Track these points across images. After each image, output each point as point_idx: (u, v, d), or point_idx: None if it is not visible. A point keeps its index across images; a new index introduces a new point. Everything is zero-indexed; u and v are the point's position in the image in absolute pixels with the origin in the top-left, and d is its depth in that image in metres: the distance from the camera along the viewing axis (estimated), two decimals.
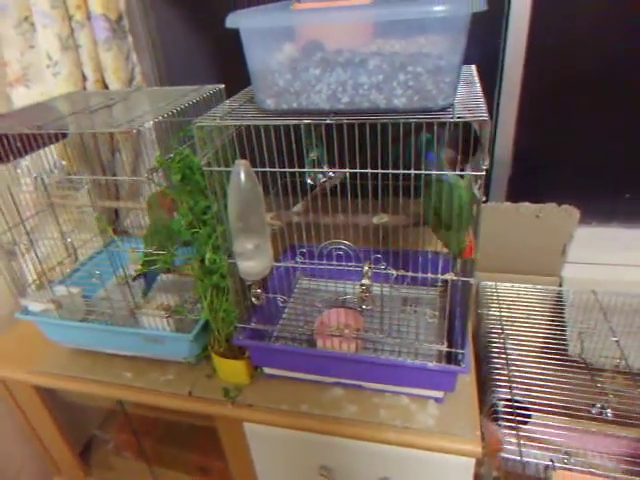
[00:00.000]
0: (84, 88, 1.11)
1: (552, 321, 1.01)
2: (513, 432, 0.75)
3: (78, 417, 1.15)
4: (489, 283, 1.10)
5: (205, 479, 1.12)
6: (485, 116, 0.51)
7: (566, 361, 0.91)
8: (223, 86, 0.93)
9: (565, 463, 0.71)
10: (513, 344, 0.91)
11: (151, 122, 0.71)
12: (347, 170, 0.58)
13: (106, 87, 1.12)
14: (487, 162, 0.52)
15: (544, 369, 0.87)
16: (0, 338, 1.05)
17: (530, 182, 1.14)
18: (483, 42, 0.99)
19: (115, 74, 1.11)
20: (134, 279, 0.86)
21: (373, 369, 0.76)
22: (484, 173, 0.53)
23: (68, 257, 0.99)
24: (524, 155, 1.11)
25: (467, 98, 0.59)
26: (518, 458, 0.71)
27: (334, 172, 0.63)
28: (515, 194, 1.13)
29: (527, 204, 1.07)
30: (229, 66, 1.20)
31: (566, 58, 1.00)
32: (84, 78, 1.11)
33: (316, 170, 0.63)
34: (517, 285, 1.08)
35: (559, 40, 0.98)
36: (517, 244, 1.11)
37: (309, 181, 0.69)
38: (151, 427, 1.12)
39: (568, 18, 0.97)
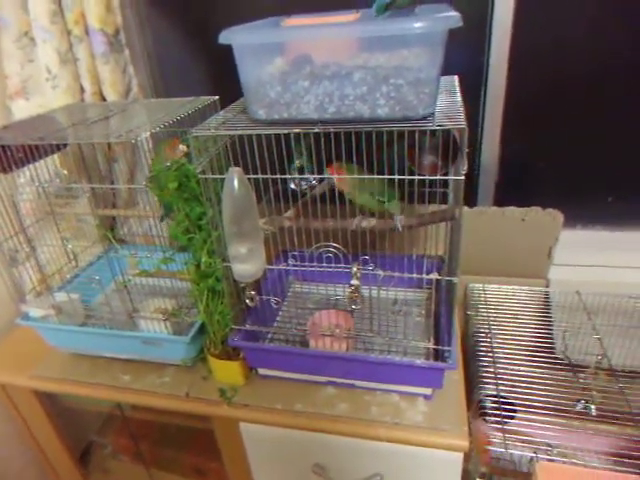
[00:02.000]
0: (82, 100, 1.14)
1: (539, 321, 1.04)
2: (499, 427, 0.78)
3: (77, 422, 1.16)
4: (477, 285, 1.13)
5: None
6: (463, 124, 0.55)
7: (552, 359, 0.94)
8: (217, 97, 0.96)
9: (548, 455, 0.74)
10: (500, 343, 0.94)
11: (148, 132, 0.74)
12: (330, 175, 0.62)
13: (103, 99, 1.15)
14: (466, 168, 0.56)
15: (530, 367, 0.90)
16: None
17: (516, 187, 1.18)
18: (468, 52, 1.03)
19: (112, 86, 1.14)
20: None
21: (363, 367, 0.79)
22: (463, 178, 0.56)
23: (69, 263, 1.01)
24: (510, 161, 1.15)
25: (447, 107, 0.63)
26: (503, 450, 0.74)
27: (316, 178, 0.66)
28: (502, 199, 1.17)
29: (513, 208, 1.11)
30: (223, 78, 1.24)
31: (548, 65, 1.04)
32: (82, 90, 1.14)
33: (299, 177, 0.67)
34: (504, 287, 1.12)
35: (541, 48, 1.02)
36: (504, 247, 1.15)
37: (292, 186, 0.72)
38: (148, 430, 1.14)
39: (551, 26, 1.01)
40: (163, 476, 1.14)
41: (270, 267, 0.74)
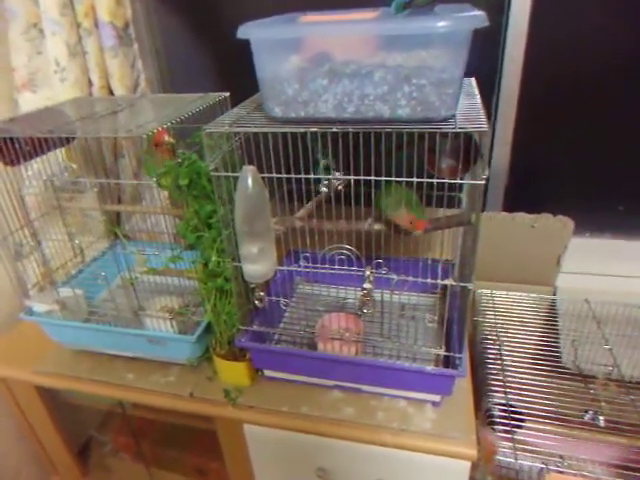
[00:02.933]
0: (90, 94, 1.13)
1: (546, 329, 1.03)
2: (508, 436, 0.76)
3: (76, 418, 1.15)
4: (485, 291, 1.12)
5: None
6: (485, 127, 0.53)
7: (559, 368, 0.93)
8: (228, 94, 0.95)
9: (558, 466, 0.73)
10: (508, 351, 0.93)
11: (160, 128, 0.73)
12: (354, 177, 0.60)
13: (111, 93, 1.14)
14: (487, 172, 0.54)
15: (539, 376, 0.89)
16: (2, 339, 1.06)
17: (526, 192, 1.17)
18: (481, 54, 1.02)
19: (120, 81, 1.13)
20: None
21: (373, 372, 0.78)
22: (484, 182, 0.55)
23: (74, 258, 1.00)
24: (521, 166, 1.14)
25: (467, 109, 0.62)
26: (513, 461, 0.72)
27: (345, 179, 0.65)
28: (511, 204, 1.16)
29: (523, 214, 1.10)
30: (231, 75, 1.23)
31: (564, 70, 1.03)
32: (90, 84, 1.13)
33: (328, 177, 0.65)
34: (512, 293, 1.10)
35: (557, 52, 1.01)
36: (512, 253, 1.14)
37: (324, 188, 0.71)
38: (149, 429, 1.13)
39: (566, 30, 1.00)
40: (163, 475, 1.13)
41: (281, 268, 0.73)
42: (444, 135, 0.56)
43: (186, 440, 1.14)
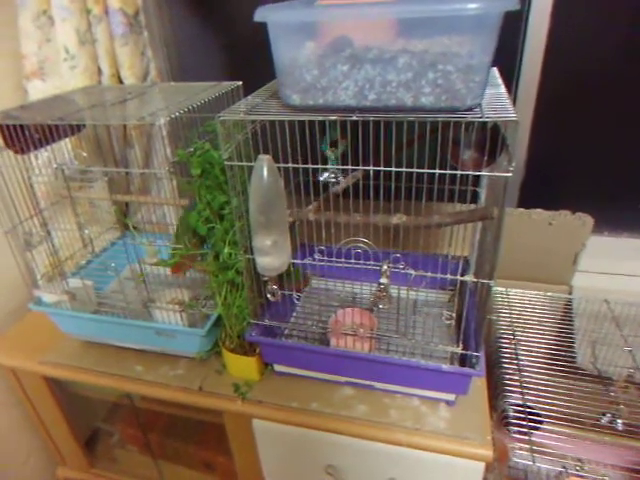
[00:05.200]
0: (99, 82, 1.11)
1: (561, 329, 1.00)
2: (525, 438, 0.74)
3: (83, 409, 1.15)
4: (499, 289, 1.09)
5: (210, 474, 1.12)
6: (514, 116, 0.51)
7: (574, 369, 0.91)
8: (241, 83, 0.93)
9: (578, 471, 0.70)
10: (524, 350, 0.91)
11: (172, 115, 0.71)
12: (373, 168, 0.58)
13: (121, 82, 1.13)
14: (514, 164, 0.52)
15: (554, 377, 0.87)
16: (11, 328, 1.05)
17: (543, 188, 1.14)
18: (500, 43, 0.99)
19: (130, 69, 1.11)
20: None
21: (387, 369, 0.76)
22: (510, 174, 0.53)
23: (84, 249, 0.98)
24: (538, 160, 1.11)
25: (492, 99, 0.59)
26: (530, 463, 0.70)
27: (363, 169, 0.62)
28: (527, 200, 1.13)
29: (540, 211, 1.07)
30: (242, 64, 1.21)
31: (586, 62, 0.99)
32: (100, 72, 1.11)
33: (344, 167, 0.63)
34: (527, 292, 1.08)
35: (580, 44, 0.98)
36: (528, 251, 1.11)
37: (332, 180, 0.69)
38: (156, 421, 1.12)
39: (591, 20, 0.96)
40: (171, 468, 1.12)
41: (295, 261, 0.71)
42: (468, 125, 0.54)
43: (194, 433, 1.13)
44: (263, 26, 0.58)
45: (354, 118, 0.56)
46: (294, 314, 0.96)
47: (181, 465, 1.13)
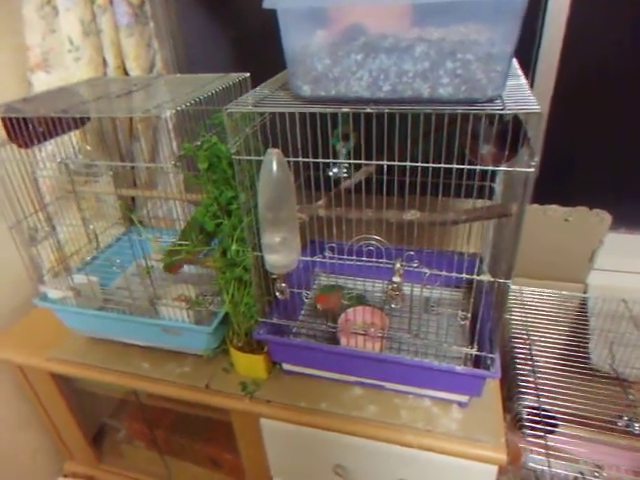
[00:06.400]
0: (104, 74, 1.09)
1: (575, 329, 0.98)
2: (541, 442, 0.72)
3: (90, 404, 1.14)
4: (513, 287, 1.07)
5: (216, 471, 1.11)
6: (537, 108, 0.48)
7: (588, 370, 0.88)
8: (248, 75, 0.90)
9: (596, 476, 0.68)
10: (539, 351, 0.88)
11: (179, 107, 0.69)
12: (388, 162, 0.56)
13: (126, 73, 1.10)
14: (537, 159, 0.49)
15: (569, 378, 0.84)
16: (17, 325, 1.04)
17: (559, 183, 1.10)
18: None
19: (136, 61, 1.09)
20: None
21: (398, 369, 0.74)
22: (533, 170, 0.50)
23: (89, 244, 0.97)
24: (554, 154, 1.07)
25: (512, 90, 0.57)
26: (546, 469, 0.68)
27: (376, 164, 0.60)
28: (542, 195, 1.10)
29: (556, 207, 1.04)
30: (249, 56, 1.19)
31: (606, 53, 0.96)
32: (105, 64, 1.09)
33: (354, 162, 0.60)
34: (542, 290, 1.05)
35: (601, 33, 0.94)
36: (543, 248, 1.08)
37: (344, 175, 0.66)
38: (163, 417, 1.11)
39: (611, 8, 0.92)
40: (178, 464, 1.12)
41: (305, 259, 0.69)
42: (488, 118, 0.51)
43: (201, 430, 1.12)
44: (272, 13, 0.56)
45: (368, 110, 0.53)
46: (302, 312, 0.94)
47: (188, 461, 1.12)
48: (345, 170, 0.67)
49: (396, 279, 0.63)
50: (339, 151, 0.66)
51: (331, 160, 0.60)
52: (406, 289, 0.67)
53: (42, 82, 1.07)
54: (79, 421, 1.08)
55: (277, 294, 0.72)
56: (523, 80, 0.62)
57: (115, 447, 1.20)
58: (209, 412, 0.94)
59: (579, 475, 0.68)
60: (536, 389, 0.79)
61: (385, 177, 0.58)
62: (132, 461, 1.19)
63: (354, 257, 0.68)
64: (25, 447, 1.19)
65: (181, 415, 1.10)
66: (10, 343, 0.99)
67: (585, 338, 0.95)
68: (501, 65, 0.49)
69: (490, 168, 0.56)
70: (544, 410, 0.76)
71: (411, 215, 0.64)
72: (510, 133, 0.51)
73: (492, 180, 0.78)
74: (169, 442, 1.11)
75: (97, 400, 1.17)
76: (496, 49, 0.48)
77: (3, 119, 0.76)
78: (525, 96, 0.54)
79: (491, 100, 0.52)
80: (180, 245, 0.76)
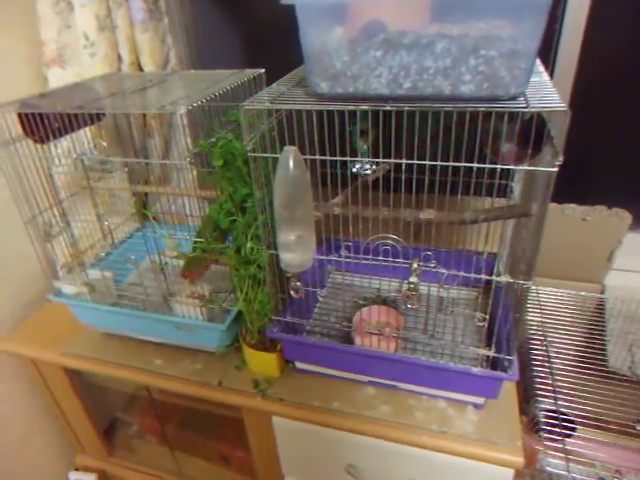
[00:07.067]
0: (119, 70, 1.09)
1: (593, 330, 0.96)
2: (558, 445, 0.71)
3: (102, 399, 1.15)
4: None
5: (227, 468, 1.11)
6: (563, 106, 0.47)
7: (606, 372, 0.86)
8: (263, 70, 0.89)
9: None
10: (556, 353, 0.87)
11: (193, 104, 0.68)
12: (406, 161, 0.55)
13: (141, 69, 1.10)
14: (561, 158, 0.48)
15: (587, 380, 0.83)
16: (31, 319, 1.05)
17: (577, 182, 1.08)
18: None
19: (150, 57, 1.09)
20: None
21: (413, 370, 0.73)
22: (556, 170, 0.49)
23: (103, 240, 0.97)
24: (572, 152, 1.05)
25: (535, 87, 0.55)
26: (565, 473, 0.67)
27: (394, 162, 0.59)
28: (560, 194, 1.07)
29: (574, 206, 1.02)
30: (263, 52, 1.18)
31: (625, 52, 0.93)
32: (119, 60, 1.09)
33: (375, 160, 0.60)
34: (559, 290, 1.03)
35: (621, 28, 0.92)
36: (560, 248, 1.06)
37: (366, 171, 0.65)
38: (174, 413, 1.12)
39: (632, 6, 0.90)
40: (188, 460, 1.13)
41: (321, 257, 0.68)
42: (511, 116, 0.50)
43: (212, 427, 1.12)
44: (289, 9, 0.55)
45: (388, 108, 0.52)
46: (316, 310, 0.93)
47: (198, 457, 1.12)
48: (368, 167, 0.66)
49: (413, 279, 0.62)
50: (360, 148, 0.65)
51: (349, 158, 0.59)
52: (423, 288, 0.66)
53: (58, 77, 1.07)
54: (91, 415, 1.09)
55: (291, 292, 0.71)
56: (546, 77, 0.60)
57: (126, 441, 1.21)
58: (220, 409, 0.94)
59: None
60: (553, 391, 0.78)
61: (403, 175, 0.57)
62: (143, 456, 1.20)
63: (370, 256, 0.67)
64: (37, 440, 1.21)
65: (192, 411, 1.11)
66: (23, 337, 1.00)
67: (603, 340, 0.94)
68: (525, 62, 0.48)
69: (513, 167, 0.55)
70: (562, 413, 0.75)
71: (428, 214, 0.63)
72: (533, 132, 0.50)
73: (510, 179, 0.77)
74: (180, 437, 1.12)
75: (109, 395, 1.18)
76: (520, 45, 0.47)
77: (20, 115, 0.77)
78: (549, 94, 0.52)
79: (514, 98, 0.50)
80: (197, 249, 0.75)
